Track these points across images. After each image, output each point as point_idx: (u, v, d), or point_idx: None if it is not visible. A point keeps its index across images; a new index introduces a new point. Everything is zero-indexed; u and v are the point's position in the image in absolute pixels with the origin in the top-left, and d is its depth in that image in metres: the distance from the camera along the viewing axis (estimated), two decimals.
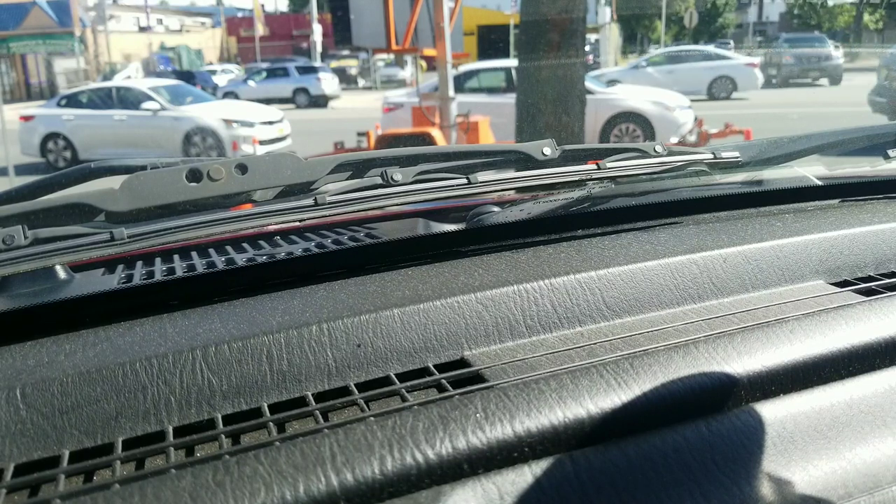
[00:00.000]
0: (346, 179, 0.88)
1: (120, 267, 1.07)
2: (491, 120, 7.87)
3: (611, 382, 0.55)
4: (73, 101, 11.76)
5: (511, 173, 0.96)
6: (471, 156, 0.96)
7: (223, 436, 0.57)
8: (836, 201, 1.11)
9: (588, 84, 7.66)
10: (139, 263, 1.08)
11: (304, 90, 23.56)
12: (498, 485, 0.48)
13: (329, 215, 0.82)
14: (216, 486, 0.45)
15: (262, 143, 10.70)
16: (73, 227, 0.73)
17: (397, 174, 0.86)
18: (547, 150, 0.96)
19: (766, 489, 0.50)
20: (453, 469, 0.48)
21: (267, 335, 0.64)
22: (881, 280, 0.84)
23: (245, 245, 1.18)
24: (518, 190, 1.29)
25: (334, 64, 30.14)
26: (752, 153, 1.15)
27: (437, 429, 0.50)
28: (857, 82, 18.20)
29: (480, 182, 0.89)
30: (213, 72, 30.25)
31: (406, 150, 0.90)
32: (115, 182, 0.78)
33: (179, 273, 1.00)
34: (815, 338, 0.62)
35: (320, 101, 23.29)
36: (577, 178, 0.96)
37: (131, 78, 24.73)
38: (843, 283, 0.84)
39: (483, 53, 26.29)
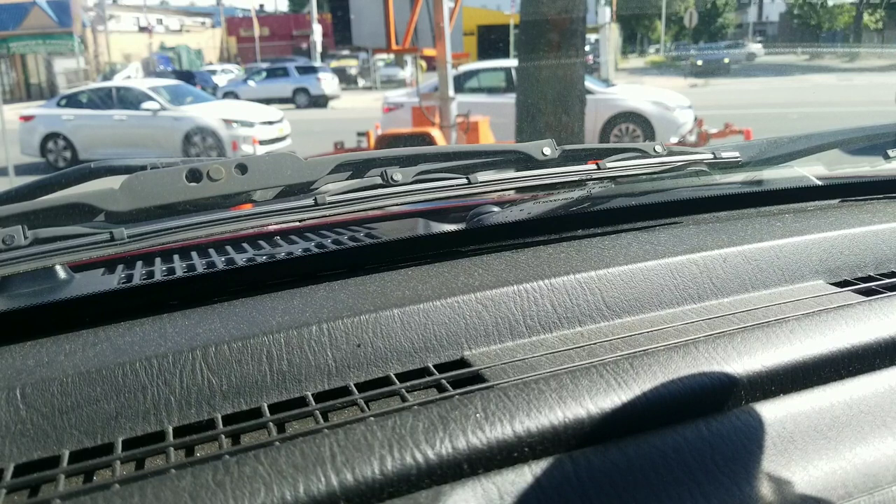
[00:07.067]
0: (346, 179, 0.88)
1: (120, 267, 1.06)
2: (491, 120, 7.87)
3: (611, 382, 0.55)
4: (73, 101, 11.76)
5: (511, 173, 0.96)
6: (471, 156, 0.96)
7: (223, 436, 0.57)
8: (836, 201, 1.11)
9: (588, 84, 7.66)
10: (139, 263, 1.08)
11: (304, 90, 23.55)
12: (498, 485, 0.48)
13: (329, 215, 0.82)
14: (216, 486, 0.45)
15: (262, 143, 10.70)
16: (73, 227, 0.73)
17: (397, 174, 0.86)
18: (547, 150, 0.96)
19: (766, 489, 0.50)
20: (453, 469, 0.48)
21: (267, 335, 0.64)
22: (881, 280, 0.84)
23: (245, 245, 1.18)
24: (518, 190, 1.28)
25: (334, 64, 30.16)
26: (752, 153, 1.15)
27: (437, 429, 0.50)
28: (857, 82, 18.18)
29: (480, 182, 0.89)
30: (213, 72, 30.27)
31: (406, 150, 0.90)
32: (115, 182, 0.78)
33: (179, 273, 1.00)
34: (815, 338, 0.62)
35: (320, 101, 23.28)
36: (577, 178, 0.95)
37: (131, 78, 24.73)
38: (843, 283, 0.84)
39: (483, 53, 26.28)
